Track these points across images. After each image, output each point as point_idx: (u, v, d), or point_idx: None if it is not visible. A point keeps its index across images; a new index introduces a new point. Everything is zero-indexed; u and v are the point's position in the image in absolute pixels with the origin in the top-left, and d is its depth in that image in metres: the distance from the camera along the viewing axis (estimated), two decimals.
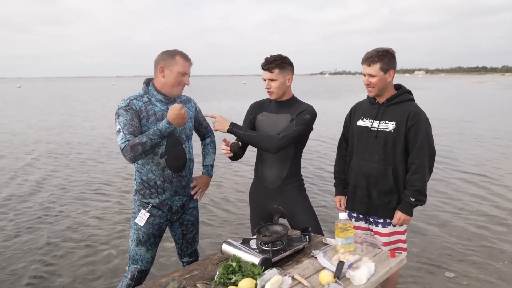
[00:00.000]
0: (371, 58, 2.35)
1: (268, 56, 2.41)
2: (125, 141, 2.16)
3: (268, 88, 2.41)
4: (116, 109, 2.26)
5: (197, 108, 2.56)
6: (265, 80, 2.41)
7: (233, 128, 2.32)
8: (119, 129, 2.19)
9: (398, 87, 2.48)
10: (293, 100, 2.48)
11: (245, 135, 2.33)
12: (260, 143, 2.33)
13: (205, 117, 2.59)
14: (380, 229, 2.48)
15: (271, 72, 2.37)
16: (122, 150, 2.17)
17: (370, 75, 2.37)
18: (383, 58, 2.34)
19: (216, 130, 2.38)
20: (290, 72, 2.42)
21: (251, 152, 2.56)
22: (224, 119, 2.34)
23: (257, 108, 2.55)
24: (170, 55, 2.28)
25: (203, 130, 2.65)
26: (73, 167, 7.90)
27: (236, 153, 2.41)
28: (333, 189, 2.74)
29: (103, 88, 60.65)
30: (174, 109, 2.16)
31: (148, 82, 2.36)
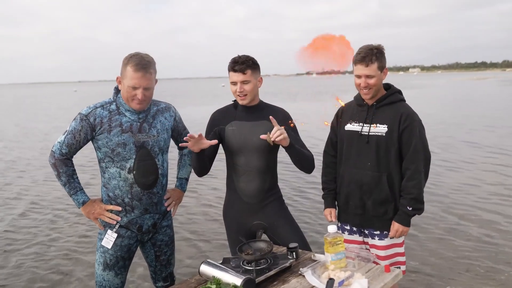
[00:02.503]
0: (368, 57, 2.33)
1: (236, 56, 2.40)
2: (58, 149, 2.30)
3: (241, 92, 2.38)
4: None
5: (176, 117, 2.53)
6: (235, 83, 2.39)
7: (292, 142, 2.32)
8: (65, 132, 2.31)
9: (387, 86, 2.52)
10: (263, 104, 2.52)
11: (301, 151, 2.39)
12: (309, 161, 2.43)
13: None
14: (376, 241, 2.50)
15: (244, 74, 2.36)
16: (51, 151, 2.34)
17: (368, 76, 2.36)
18: (379, 56, 2.36)
19: (281, 138, 2.22)
20: (259, 74, 2.46)
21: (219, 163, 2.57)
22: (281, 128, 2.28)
23: (222, 118, 2.50)
24: (124, 64, 2.23)
25: (182, 141, 2.64)
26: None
27: (207, 167, 2.45)
28: (320, 202, 2.76)
29: (64, 95, 59.66)
30: (91, 215, 2.35)
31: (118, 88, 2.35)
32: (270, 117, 2.28)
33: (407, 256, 2.60)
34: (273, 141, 2.24)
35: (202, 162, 2.38)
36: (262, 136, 2.27)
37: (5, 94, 77.38)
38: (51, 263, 4.36)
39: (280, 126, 2.45)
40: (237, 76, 2.36)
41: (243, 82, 2.37)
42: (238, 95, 2.40)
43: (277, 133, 2.21)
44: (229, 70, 2.40)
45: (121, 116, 2.29)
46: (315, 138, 10.93)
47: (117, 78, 2.30)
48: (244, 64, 2.35)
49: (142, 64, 2.21)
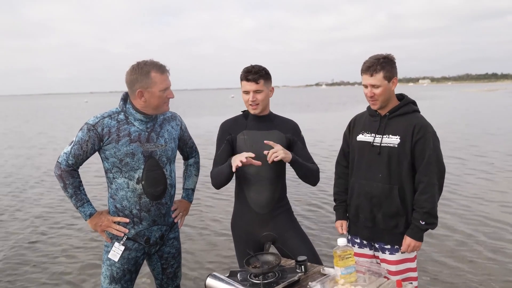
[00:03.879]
0: (373, 67, 2.33)
1: (249, 66, 2.40)
2: (65, 160, 2.26)
3: (254, 101, 2.38)
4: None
5: (182, 126, 2.52)
6: (247, 92, 2.38)
7: (295, 157, 2.35)
8: (72, 142, 2.27)
9: (401, 97, 2.48)
10: (272, 114, 2.53)
11: (304, 164, 2.39)
12: (314, 174, 2.45)
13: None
14: (387, 256, 2.44)
15: (257, 83, 2.37)
16: (57, 162, 2.28)
17: (374, 86, 2.34)
18: (385, 65, 2.33)
19: (277, 160, 2.24)
20: (271, 84, 2.46)
21: None
22: (283, 148, 2.31)
23: (233, 127, 2.49)
24: (144, 73, 2.20)
25: (188, 150, 2.63)
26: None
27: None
28: (331, 213, 2.72)
29: (76, 106, 60.62)
30: (98, 228, 2.31)
31: (126, 98, 2.32)
32: (265, 141, 2.30)
33: (419, 271, 2.54)
34: (272, 160, 2.26)
35: (231, 177, 2.40)
36: (265, 152, 2.28)
37: (21, 104, 78.94)
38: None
39: (290, 136, 2.48)
40: (250, 86, 2.37)
41: (256, 92, 2.38)
42: (250, 104, 2.40)
43: (273, 156, 2.23)
44: (241, 79, 2.40)
45: (130, 125, 2.27)
46: (329, 150, 10.89)
47: (139, 92, 2.21)
48: (257, 74, 2.36)
49: (163, 66, 2.26)
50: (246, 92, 2.39)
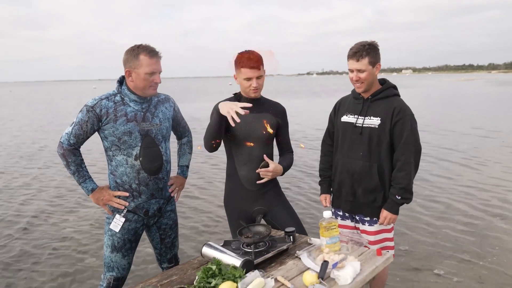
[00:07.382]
0: (359, 52, 2.29)
1: (246, 52, 2.29)
2: (66, 140, 2.22)
3: (256, 87, 2.31)
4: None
5: (175, 107, 2.49)
6: (250, 79, 2.28)
7: (282, 170, 2.42)
8: (73, 123, 2.23)
9: (383, 81, 2.46)
10: (263, 98, 2.47)
11: (286, 166, 2.46)
12: (290, 167, 2.52)
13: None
14: (366, 227, 2.45)
15: (259, 70, 2.29)
16: (60, 142, 2.24)
17: (359, 70, 2.31)
18: (370, 51, 2.30)
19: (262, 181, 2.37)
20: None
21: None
22: (276, 167, 2.36)
23: None
24: (134, 55, 2.15)
25: (181, 130, 2.60)
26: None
27: (221, 135, 2.32)
28: (318, 188, 2.71)
29: (86, 91, 60.20)
30: (100, 201, 2.27)
31: (122, 80, 2.28)
32: (265, 156, 2.35)
33: (397, 241, 2.55)
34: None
35: (220, 128, 2.25)
36: (258, 170, 2.34)
37: (39, 90, 78.35)
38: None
39: (278, 118, 2.45)
40: (253, 72, 2.27)
41: (258, 78, 2.30)
42: (252, 89, 2.31)
43: (268, 177, 2.35)
44: (241, 67, 2.27)
45: (126, 106, 2.23)
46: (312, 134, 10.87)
47: (127, 71, 2.20)
48: (258, 61, 2.27)
49: (155, 51, 2.19)
50: (249, 79, 2.28)
